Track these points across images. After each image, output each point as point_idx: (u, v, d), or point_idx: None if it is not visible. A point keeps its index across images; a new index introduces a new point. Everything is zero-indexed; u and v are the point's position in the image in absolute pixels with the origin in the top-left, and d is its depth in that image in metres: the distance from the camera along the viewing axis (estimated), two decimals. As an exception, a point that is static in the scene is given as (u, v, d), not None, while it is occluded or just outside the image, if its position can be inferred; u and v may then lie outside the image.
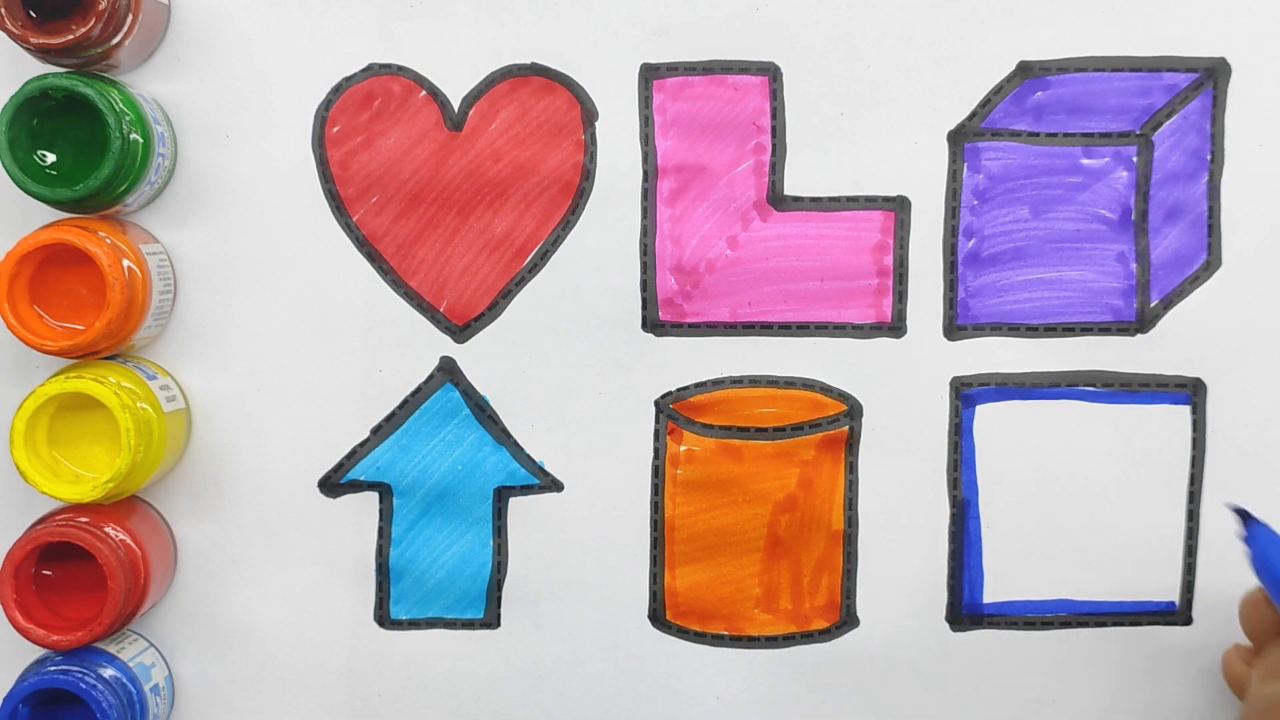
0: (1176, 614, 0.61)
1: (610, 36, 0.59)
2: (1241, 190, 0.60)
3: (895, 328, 0.60)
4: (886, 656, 0.61)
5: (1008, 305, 0.60)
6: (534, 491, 0.61)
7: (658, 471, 0.61)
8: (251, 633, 0.61)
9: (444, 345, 0.60)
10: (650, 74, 0.59)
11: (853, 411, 0.61)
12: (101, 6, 0.53)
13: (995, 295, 0.60)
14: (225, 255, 0.59)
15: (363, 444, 0.60)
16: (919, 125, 0.60)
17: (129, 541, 0.56)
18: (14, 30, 0.53)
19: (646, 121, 0.59)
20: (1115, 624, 0.61)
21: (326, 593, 0.61)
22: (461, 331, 0.60)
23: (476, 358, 0.60)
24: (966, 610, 0.61)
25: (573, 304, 0.60)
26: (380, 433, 0.60)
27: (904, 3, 0.59)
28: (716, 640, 0.61)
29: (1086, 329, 0.60)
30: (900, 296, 0.60)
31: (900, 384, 0.60)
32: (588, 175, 0.60)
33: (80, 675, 0.55)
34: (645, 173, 0.60)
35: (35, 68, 0.57)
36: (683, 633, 0.61)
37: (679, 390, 0.60)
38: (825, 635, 0.61)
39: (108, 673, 0.56)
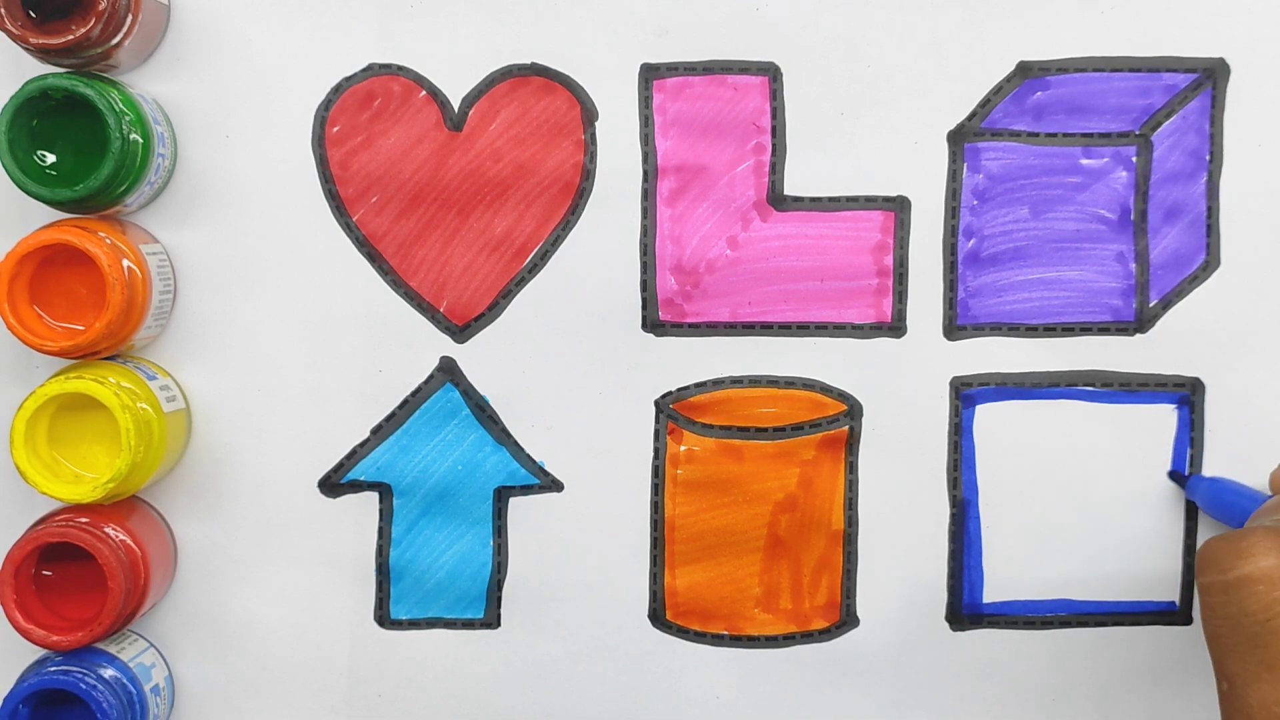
0: (1176, 614, 0.61)
1: (610, 36, 0.59)
2: (1240, 190, 0.60)
3: (895, 328, 0.60)
4: (886, 656, 0.61)
5: (1007, 305, 0.60)
6: (534, 491, 0.61)
7: (658, 471, 0.61)
8: (251, 633, 0.61)
9: (444, 345, 0.60)
10: (650, 74, 0.59)
11: (853, 411, 0.61)
12: (101, 6, 0.53)
13: (995, 295, 0.60)
14: (225, 255, 0.59)
15: (363, 444, 0.60)
16: (919, 125, 0.60)
17: (129, 542, 0.56)
18: (14, 30, 0.53)
19: (646, 121, 0.59)
20: (1115, 624, 0.61)
21: (326, 593, 0.61)
22: (461, 331, 0.60)
23: (476, 358, 0.60)
24: (966, 610, 0.61)
25: (573, 304, 0.60)
26: (380, 433, 0.60)
27: (904, 3, 0.59)
28: (716, 640, 0.61)
29: (1086, 329, 0.61)
30: (900, 296, 0.60)
31: (900, 384, 0.60)
32: (588, 175, 0.60)
33: (80, 675, 0.55)
34: (645, 173, 0.60)
35: (35, 68, 0.57)
36: (683, 633, 0.61)
37: (679, 390, 0.60)
38: (825, 635, 0.61)
39: (108, 673, 0.56)
